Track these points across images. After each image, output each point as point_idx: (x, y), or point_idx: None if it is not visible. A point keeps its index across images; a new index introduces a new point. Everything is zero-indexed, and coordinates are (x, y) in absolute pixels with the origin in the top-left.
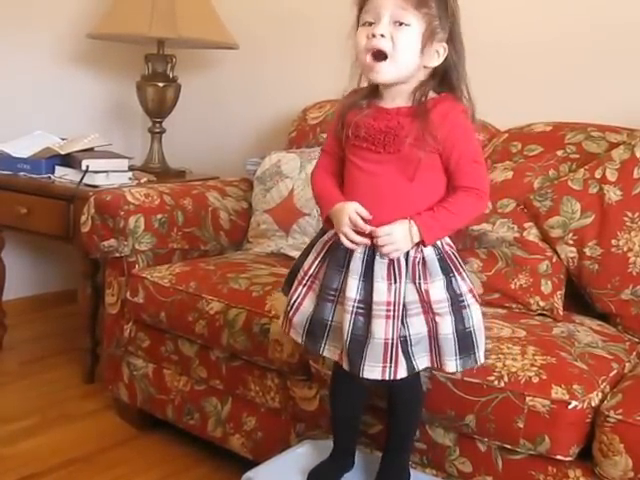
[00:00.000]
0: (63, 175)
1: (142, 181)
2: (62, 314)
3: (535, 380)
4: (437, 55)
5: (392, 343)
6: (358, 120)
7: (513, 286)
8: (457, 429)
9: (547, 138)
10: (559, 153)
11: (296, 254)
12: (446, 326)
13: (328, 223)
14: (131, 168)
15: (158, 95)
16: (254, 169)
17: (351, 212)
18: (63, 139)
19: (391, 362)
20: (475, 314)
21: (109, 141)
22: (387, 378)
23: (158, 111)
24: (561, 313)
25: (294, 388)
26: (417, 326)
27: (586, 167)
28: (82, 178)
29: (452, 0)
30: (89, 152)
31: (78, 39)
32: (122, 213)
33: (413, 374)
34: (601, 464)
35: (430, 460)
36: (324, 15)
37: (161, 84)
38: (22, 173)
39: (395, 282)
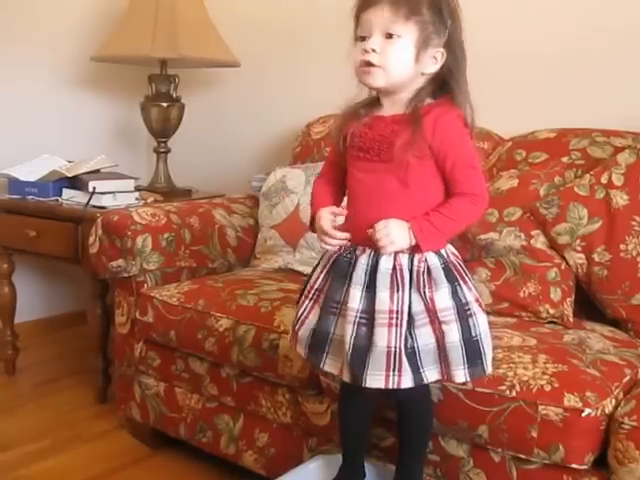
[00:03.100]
0: (70, 197)
1: (149, 201)
2: (73, 335)
3: (547, 388)
4: (434, 60)
5: (395, 351)
6: (355, 130)
7: (522, 294)
8: (470, 440)
9: (551, 145)
10: (564, 159)
11: (304, 269)
12: (453, 334)
13: (313, 228)
14: (137, 188)
15: (162, 115)
16: (259, 185)
17: (321, 218)
18: (69, 162)
19: (394, 370)
20: (482, 323)
21: (115, 162)
22: (391, 387)
23: (163, 131)
24: (571, 320)
25: (305, 403)
26: (425, 337)
27: (592, 172)
28: (89, 200)
29: (448, 4)
30: (95, 174)
31: (82, 62)
32: (129, 233)
33: (422, 386)
34: (617, 472)
35: (444, 472)
36: (324, 30)
37: (165, 104)
38: (30, 197)
39: (398, 291)
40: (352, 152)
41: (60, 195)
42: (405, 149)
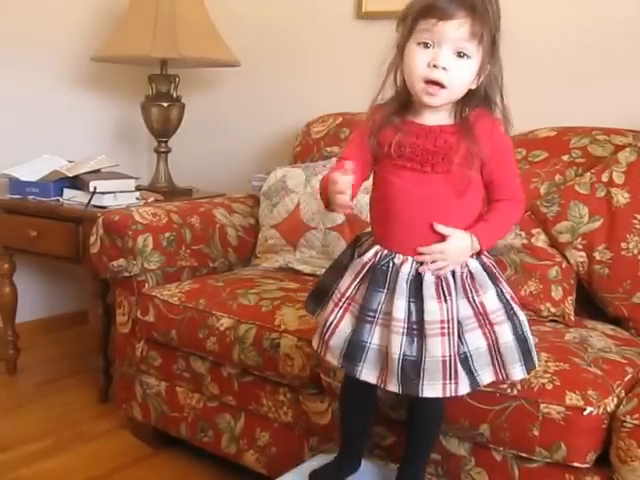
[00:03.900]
0: (71, 197)
1: (149, 200)
2: (74, 335)
3: (549, 387)
4: (480, 77)
5: (450, 360)
6: (400, 139)
7: (523, 293)
8: (472, 439)
9: (552, 143)
10: (564, 158)
11: (304, 268)
12: (506, 335)
13: (329, 208)
14: (138, 188)
15: (163, 115)
16: (260, 185)
17: (333, 182)
18: (70, 162)
19: (451, 378)
20: (524, 319)
21: (116, 162)
22: (448, 395)
23: (163, 131)
24: (573, 319)
25: (306, 402)
26: (475, 341)
27: (592, 171)
28: (90, 199)
29: (499, 18)
30: (96, 174)
31: (82, 62)
32: (130, 233)
33: None
34: (619, 470)
35: (445, 471)
36: (324, 30)
37: (165, 104)
38: (31, 197)
39: (446, 301)
40: (397, 162)
41: (61, 195)
42: (465, 164)
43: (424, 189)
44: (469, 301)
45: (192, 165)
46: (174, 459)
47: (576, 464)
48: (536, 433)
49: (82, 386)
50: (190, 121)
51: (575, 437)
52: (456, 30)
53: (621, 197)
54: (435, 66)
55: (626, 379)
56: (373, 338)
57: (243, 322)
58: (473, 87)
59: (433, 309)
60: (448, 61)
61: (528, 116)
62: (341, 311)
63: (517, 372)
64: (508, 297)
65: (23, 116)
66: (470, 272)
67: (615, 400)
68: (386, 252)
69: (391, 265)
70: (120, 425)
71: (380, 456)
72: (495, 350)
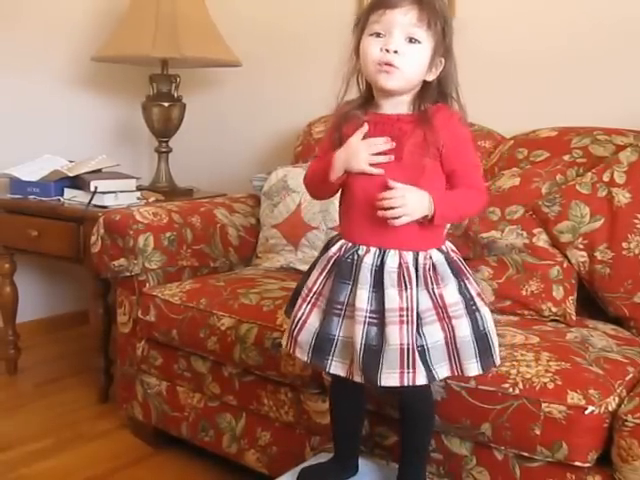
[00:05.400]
0: (72, 197)
1: (150, 200)
2: (75, 335)
3: (550, 386)
4: (435, 69)
5: (408, 348)
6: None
7: (524, 292)
8: (473, 438)
9: (553, 143)
10: (566, 158)
11: (305, 268)
12: (464, 328)
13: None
14: (139, 188)
15: (163, 115)
16: (261, 185)
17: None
18: (71, 161)
19: (409, 367)
20: (487, 316)
21: (116, 162)
22: (406, 384)
23: (164, 131)
24: (574, 318)
25: (308, 402)
26: (434, 334)
27: (593, 171)
28: (91, 199)
29: (449, 15)
30: (97, 173)
31: (83, 62)
32: (131, 232)
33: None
34: (621, 469)
35: (447, 470)
36: (324, 29)
37: (166, 104)
38: (32, 196)
39: (406, 289)
40: None
41: (62, 195)
42: (417, 152)
43: (380, 176)
44: (429, 293)
45: (193, 165)
46: (175, 459)
47: (577, 463)
48: (537, 432)
49: (82, 386)
50: (191, 121)
51: (576, 436)
52: (404, 16)
53: (622, 197)
54: (387, 50)
55: (627, 378)
56: (341, 331)
57: (244, 322)
58: (429, 79)
59: (392, 296)
60: (400, 45)
61: (529, 116)
62: (309, 306)
63: (472, 368)
64: (473, 293)
65: (24, 116)
66: (433, 264)
67: (616, 399)
68: (350, 245)
69: (356, 257)
70: (121, 425)
71: (381, 455)
72: (452, 344)
